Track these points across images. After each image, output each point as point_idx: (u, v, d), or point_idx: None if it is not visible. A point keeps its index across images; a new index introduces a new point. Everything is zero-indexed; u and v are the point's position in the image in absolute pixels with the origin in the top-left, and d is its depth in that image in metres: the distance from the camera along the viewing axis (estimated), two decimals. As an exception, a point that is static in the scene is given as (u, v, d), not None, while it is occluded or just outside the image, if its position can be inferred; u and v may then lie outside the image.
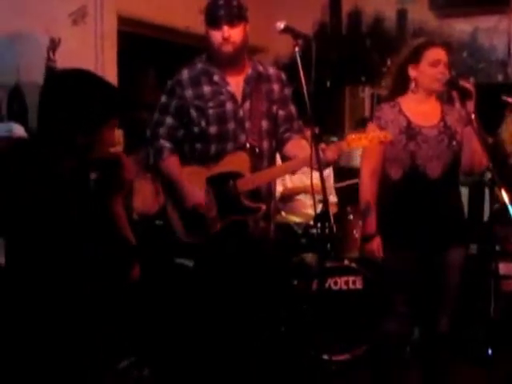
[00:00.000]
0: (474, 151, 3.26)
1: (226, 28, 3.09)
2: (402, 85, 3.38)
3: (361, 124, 5.71)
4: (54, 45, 4.41)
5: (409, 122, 3.31)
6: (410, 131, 3.29)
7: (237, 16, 3.10)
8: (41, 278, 2.24)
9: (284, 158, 3.37)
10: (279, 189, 4.81)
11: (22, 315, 2.23)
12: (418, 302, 3.36)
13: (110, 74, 4.75)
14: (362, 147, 3.09)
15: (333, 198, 4.98)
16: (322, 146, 2.94)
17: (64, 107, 2.30)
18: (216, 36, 3.11)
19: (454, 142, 3.32)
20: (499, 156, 4.27)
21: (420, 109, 3.35)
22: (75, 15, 4.61)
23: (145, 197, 4.46)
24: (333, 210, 4.79)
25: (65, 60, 4.32)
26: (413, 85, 3.34)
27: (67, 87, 2.33)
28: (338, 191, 5.17)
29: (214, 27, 3.10)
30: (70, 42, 4.51)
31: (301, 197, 4.96)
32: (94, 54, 4.75)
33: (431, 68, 3.27)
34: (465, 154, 3.32)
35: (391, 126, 3.29)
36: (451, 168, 3.32)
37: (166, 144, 3.23)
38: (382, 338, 3.50)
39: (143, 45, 5.59)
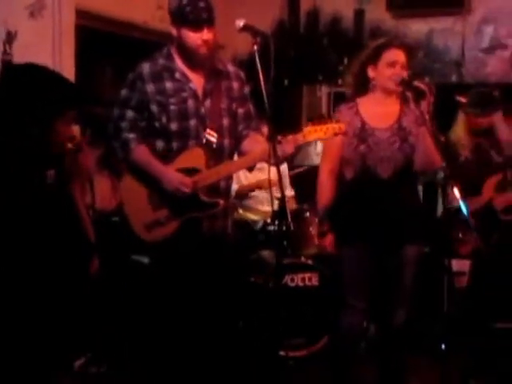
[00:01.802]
0: (427, 150, 3.32)
1: (206, 31, 3.09)
2: (362, 85, 3.43)
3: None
4: (10, 38, 4.35)
5: (363, 124, 3.37)
6: (363, 133, 3.35)
7: (214, 18, 3.11)
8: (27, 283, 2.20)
9: (241, 155, 3.38)
10: (234, 187, 4.82)
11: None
12: (373, 298, 3.42)
13: (68, 69, 4.70)
14: (318, 139, 3.13)
15: (289, 192, 5.01)
16: (279, 138, 2.97)
17: (18, 99, 2.27)
18: (194, 38, 3.10)
19: (406, 144, 3.38)
20: (449, 157, 4.34)
21: (377, 110, 3.41)
22: (32, 8, 4.54)
23: (102, 193, 4.42)
24: (291, 204, 4.82)
25: (21, 54, 4.26)
26: (371, 85, 3.40)
27: (21, 80, 2.31)
28: (295, 185, 5.21)
29: (193, 29, 3.09)
30: (26, 36, 4.45)
31: (257, 193, 4.97)
32: (51, 47, 4.68)
33: (388, 69, 3.33)
34: (418, 153, 3.38)
35: (348, 128, 3.32)
36: (403, 169, 3.38)
37: (131, 135, 3.20)
38: (338, 334, 3.55)
39: (101, 39, 5.54)
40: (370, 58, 3.38)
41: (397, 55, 3.34)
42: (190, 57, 3.18)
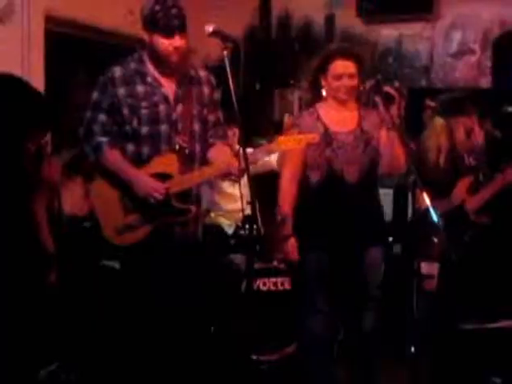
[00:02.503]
0: (394, 155, 3.36)
1: (177, 38, 3.10)
2: (316, 93, 3.46)
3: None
4: (-22, 43, 4.31)
5: (326, 129, 3.39)
6: (327, 138, 3.38)
7: (186, 25, 3.12)
8: None
9: (206, 163, 3.39)
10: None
11: None
12: (340, 301, 3.44)
13: (37, 74, 4.68)
14: (292, 148, 3.15)
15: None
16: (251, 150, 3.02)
17: None
18: (165, 44, 3.11)
19: (370, 148, 3.41)
20: (420, 161, 4.41)
21: (337, 114, 3.44)
22: (1, 13, 4.50)
23: (74, 199, 4.40)
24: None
25: (-11, 60, 4.23)
26: (324, 93, 3.42)
27: None
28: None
29: (165, 35, 3.09)
30: (-5, 41, 4.42)
31: (227, 190, 4.92)
32: (20, 53, 4.64)
33: (335, 81, 3.36)
34: (384, 157, 3.41)
35: (309, 133, 3.34)
36: (368, 172, 3.41)
37: (103, 139, 3.20)
38: (307, 338, 3.56)
39: (72, 44, 5.51)
40: (319, 69, 3.41)
41: (343, 67, 3.35)
42: (162, 62, 3.19)
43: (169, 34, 3.09)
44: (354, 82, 3.35)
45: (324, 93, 3.44)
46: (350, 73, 3.35)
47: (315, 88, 3.47)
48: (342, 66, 3.35)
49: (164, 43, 3.11)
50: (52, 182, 3.51)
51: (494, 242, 4.21)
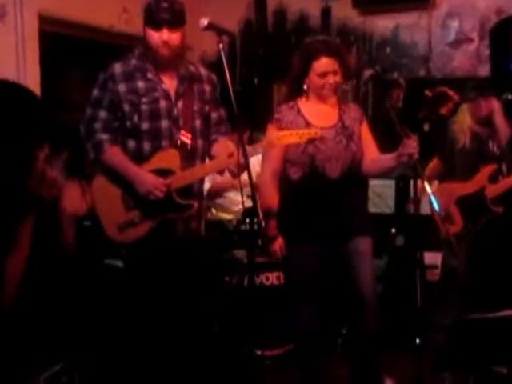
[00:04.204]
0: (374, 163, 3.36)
1: (165, 31, 3.10)
2: (297, 90, 3.43)
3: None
4: (-28, 45, 4.29)
5: (307, 124, 3.35)
6: None
7: (178, 21, 3.12)
8: None
9: (210, 159, 3.38)
10: (206, 185, 4.80)
11: None
12: (334, 296, 3.42)
13: (33, 75, 4.66)
14: (292, 143, 3.13)
15: None
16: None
17: None
18: (154, 37, 3.12)
19: (352, 143, 3.38)
20: (447, 143, 4.48)
21: (318, 109, 3.41)
22: (-7, 15, 4.49)
23: (72, 198, 4.39)
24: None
25: (-16, 62, 4.21)
26: (306, 91, 3.39)
27: None
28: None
29: (154, 28, 3.10)
30: (-11, 43, 4.40)
31: (230, 194, 4.96)
32: (15, 54, 4.62)
33: (320, 79, 3.32)
34: (367, 155, 3.41)
35: (291, 127, 3.32)
36: (351, 168, 3.38)
37: (104, 136, 3.20)
38: (296, 332, 3.55)
39: (67, 44, 5.50)
40: (301, 70, 3.36)
41: (327, 65, 3.31)
42: (154, 57, 3.18)
43: (156, 26, 3.10)
44: (338, 77, 3.33)
45: (305, 88, 3.40)
46: (335, 69, 3.32)
47: (296, 84, 3.43)
48: (327, 64, 3.31)
49: (153, 36, 3.13)
50: (41, 198, 3.47)
51: (504, 232, 4.24)
